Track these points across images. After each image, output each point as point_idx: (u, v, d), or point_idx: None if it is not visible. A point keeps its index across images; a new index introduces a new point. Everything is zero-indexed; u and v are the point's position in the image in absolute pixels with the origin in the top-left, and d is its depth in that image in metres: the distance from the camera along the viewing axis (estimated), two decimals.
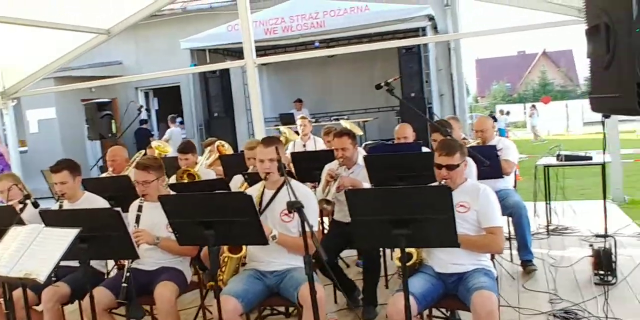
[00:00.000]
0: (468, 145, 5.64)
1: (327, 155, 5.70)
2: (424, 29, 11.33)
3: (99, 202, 4.50)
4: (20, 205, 3.95)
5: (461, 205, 3.54)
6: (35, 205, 4.01)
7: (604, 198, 7.06)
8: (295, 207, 2.86)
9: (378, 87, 5.36)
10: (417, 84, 11.71)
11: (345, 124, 6.32)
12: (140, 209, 4.03)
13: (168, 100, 15.90)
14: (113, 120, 9.11)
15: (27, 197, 4.01)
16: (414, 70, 11.67)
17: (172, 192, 4.25)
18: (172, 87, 14.51)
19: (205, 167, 6.21)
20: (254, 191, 3.92)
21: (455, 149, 3.61)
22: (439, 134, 5.07)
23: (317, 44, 12.39)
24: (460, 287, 3.47)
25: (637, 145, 16.35)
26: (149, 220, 4.00)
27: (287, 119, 12.36)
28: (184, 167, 5.76)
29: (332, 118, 12.80)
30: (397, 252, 3.61)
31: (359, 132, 6.63)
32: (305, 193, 3.82)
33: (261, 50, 12.15)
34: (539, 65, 59.01)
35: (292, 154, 6.17)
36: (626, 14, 2.26)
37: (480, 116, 6.36)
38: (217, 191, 3.78)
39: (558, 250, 6.25)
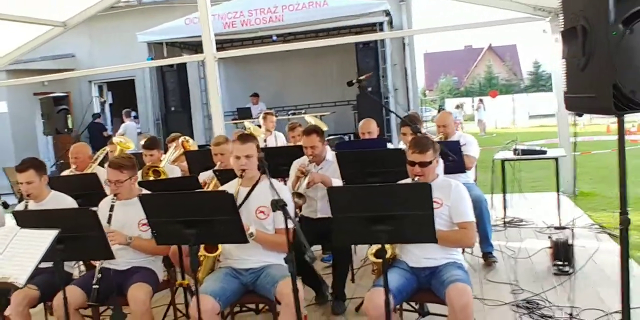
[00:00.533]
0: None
1: (293, 151, 5.76)
2: (381, 24, 11.44)
3: (67, 201, 4.43)
4: None
5: (434, 201, 3.62)
6: (5, 205, 3.91)
7: (557, 191, 7.36)
8: (279, 205, 2.89)
9: (350, 84, 5.40)
10: (373, 78, 11.81)
11: (309, 119, 6.35)
12: (112, 208, 3.98)
13: (122, 94, 15.59)
14: (69, 115, 8.89)
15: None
16: (370, 65, 11.80)
17: (144, 190, 4.21)
18: (126, 80, 14.24)
19: (169, 163, 6.15)
20: (230, 188, 3.93)
21: (428, 147, 3.68)
22: (409, 128, 5.14)
23: (275, 38, 12.36)
24: (434, 281, 3.56)
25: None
26: (121, 220, 3.97)
27: (245, 113, 12.32)
28: (149, 164, 5.69)
29: (289, 112, 12.77)
30: (373, 248, 3.71)
31: (324, 127, 6.66)
32: (282, 189, 3.86)
33: (219, 44, 12.05)
34: (485, 60, 60.36)
35: (266, 148, 6.16)
36: (603, 17, 2.37)
37: (442, 111, 6.50)
38: (198, 190, 3.74)
39: (515, 242, 6.42)
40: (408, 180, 3.81)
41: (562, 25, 2.85)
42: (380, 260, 3.64)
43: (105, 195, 5.03)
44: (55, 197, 4.43)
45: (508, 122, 29.23)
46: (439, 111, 17.03)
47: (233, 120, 13.09)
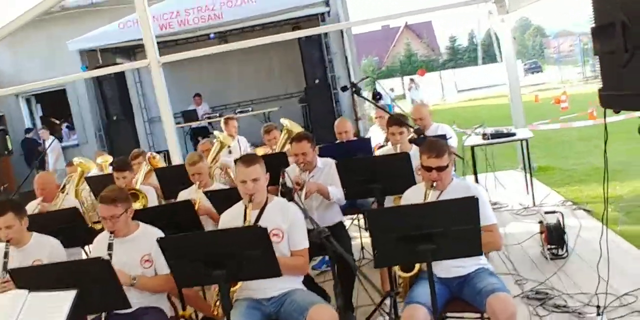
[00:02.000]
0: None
1: (275, 159, 5.55)
2: (322, 14, 11.24)
3: (51, 243, 4.08)
4: None
5: None
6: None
7: (529, 171, 7.46)
8: (323, 237, 2.70)
9: (344, 89, 5.23)
10: (319, 70, 11.68)
11: (285, 122, 6.15)
12: (110, 247, 3.66)
13: (53, 105, 14.74)
14: (7, 136, 8.29)
15: None
16: (315, 56, 11.62)
17: (140, 224, 3.90)
18: (56, 91, 13.41)
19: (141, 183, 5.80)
20: (235, 213, 3.72)
21: (444, 150, 3.55)
22: (398, 126, 5.00)
23: (212, 36, 11.96)
24: (466, 290, 3.46)
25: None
26: (122, 259, 3.65)
27: (191, 116, 11.91)
28: (125, 187, 5.32)
29: (236, 111, 12.41)
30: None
31: (299, 128, 6.43)
32: (295, 211, 3.66)
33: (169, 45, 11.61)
34: (403, 38, 61.23)
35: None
36: None
37: (416, 104, 6.44)
38: (225, 228, 3.45)
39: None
40: (421, 186, 3.71)
41: (593, 22, 2.76)
42: (408, 275, 3.58)
43: (87, 229, 4.72)
44: (38, 241, 4.06)
45: (437, 99, 29.76)
46: (373, 96, 16.99)
47: (178, 124, 12.60)
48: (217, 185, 5.22)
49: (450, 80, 31.44)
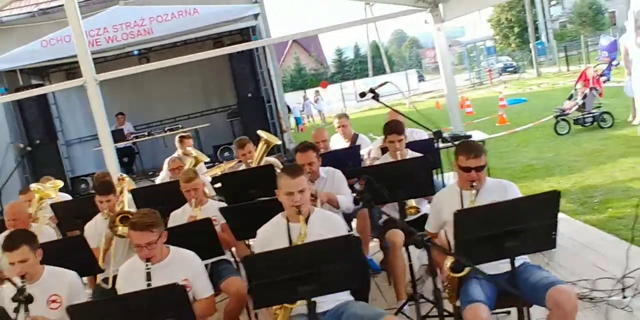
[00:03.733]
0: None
1: (261, 173, 5.45)
2: (253, 28, 11.16)
3: (69, 276, 3.74)
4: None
5: None
6: (29, 299, 3.15)
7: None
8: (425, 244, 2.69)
9: (362, 95, 5.19)
10: (252, 83, 11.58)
11: (262, 134, 6.05)
12: (149, 276, 3.41)
13: None
14: None
15: (22, 291, 3.12)
16: (246, 70, 11.50)
17: (170, 246, 3.68)
18: None
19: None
20: (276, 227, 3.61)
21: (481, 150, 3.63)
22: (397, 135, 5.05)
23: (136, 52, 11.52)
24: (516, 283, 3.41)
25: None
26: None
27: (119, 136, 11.37)
28: (111, 211, 4.97)
29: (165, 129, 11.97)
30: (447, 262, 3.59)
31: (277, 141, 6.35)
32: (338, 219, 3.66)
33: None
34: (292, 53, 61.81)
35: (222, 176, 5.70)
36: None
37: (389, 111, 6.51)
38: (313, 241, 3.30)
39: None
40: (453, 187, 3.79)
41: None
42: (457, 275, 3.61)
43: (93, 258, 4.40)
44: (52, 274, 3.70)
45: (339, 109, 30.31)
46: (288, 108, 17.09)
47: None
48: (211, 203, 5.04)
49: (351, 91, 32.21)
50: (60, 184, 6.84)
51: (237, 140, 6.24)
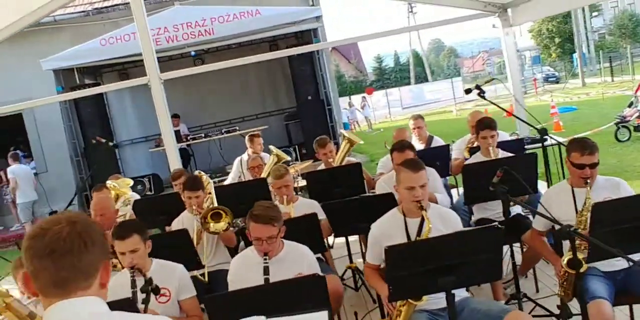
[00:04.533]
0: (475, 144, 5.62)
1: (347, 172, 5.32)
2: (315, 30, 11.03)
3: (177, 269, 3.62)
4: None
5: None
6: (157, 291, 3.01)
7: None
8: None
9: (468, 91, 5.01)
10: (311, 86, 11.42)
11: (346, 133, 5.95)
12: (266, 271, 3.24)
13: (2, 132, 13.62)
14: None
15: (150, 282, 2.97)
16: (307, 72, 11.35)
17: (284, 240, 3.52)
18: (8, 116, 12.21)
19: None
20: (391, 222, 3.51)
21: (595, 147, 3.56)
22: (490, 130, 4.86)
23: (193, 53, 11.47)
24: (633, 281, 3.39)
25: None
26: (280, 279, 3.27)
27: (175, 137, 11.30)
28: (199, 207, 4.82)
29: (223, 131, 11.87)
30: (565, 258, 3.41)
31: (360, 141, 6.20)
32: (454, 214, 3.60)
33: (137, 64, 10.98)
34: (331, 60, 61.88)
35: (308, 174, 5.53)
36: None
37: (474, 111, 6.30)
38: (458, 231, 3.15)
39: None
40: (563, 184, 3.76)
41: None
42: (574, 271, 3.41)
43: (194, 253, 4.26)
44: (161, 266, 3.58)
45: (383, 116, 30.09)
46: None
47: (157, 146, 11.98)
48: (302, 200, 4.88)
49: (397, 99, 32.03)
50: (131, 182, 6.78)
51: (318, 139, 6.11)
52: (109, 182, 6.06)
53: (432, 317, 3.26)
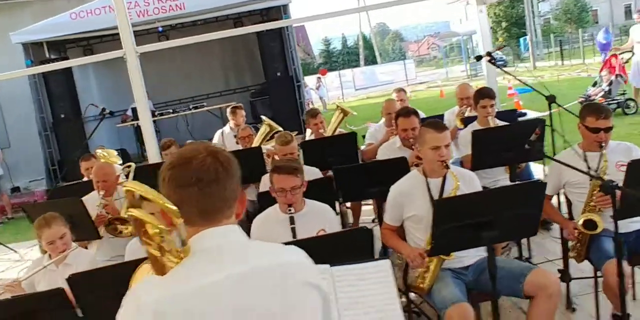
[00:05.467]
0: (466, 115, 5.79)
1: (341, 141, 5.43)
2: (285, 6, 11.01)
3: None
4: None
5: (621, 165, 3.56)
6: None
7: None
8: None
9: (479, 58, 5.15)
10: (280, 63, 11.42)
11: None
12: (292, 221, 3.37)
13: None
14: None
15: None
16: (276, 49, 11.35)
17: (305, 199, 3.61)
18: None
19: None
20: (412, 183, 3.58)
21: (610, 112, 3.65)
22: (489, 99, 5.03)
23: (160, 29, 11.29)
24: None
25: None
26: (302, 235, 3.37)
27: None
28: None
29: (191, 107, 11.78)
30: (580, 219, 3.56)
31: (353, 112, 6.29)
32: (474, 176, 3.65)
33: (107, 39, 10.78)
34: None
35: (303, 143, 5.60)
36: None
37: (461, 84, 6.45)
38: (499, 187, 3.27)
39: None
40: (575, 149, 3.77)
41: None
42: (591, 233, 3.60)
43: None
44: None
45: (336, 97, 30.19)
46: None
47: (124, 122, 11.81)
48: (306, 168, 4.96)
49: (350, 80, 32.19)
50: (115, 152, 6.70)
51: (309, 110, 6.23)
52: (99, 151, 5.99)
53: (455, 275, 3.34)
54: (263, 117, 6.31)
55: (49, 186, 11.09)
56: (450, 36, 39.49)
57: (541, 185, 2.90)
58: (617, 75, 11.52)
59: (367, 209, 6.11)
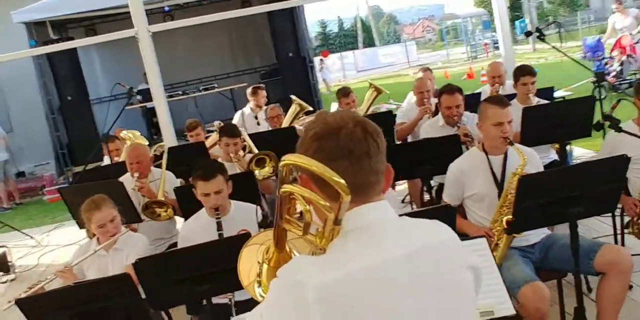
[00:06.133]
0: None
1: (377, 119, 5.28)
2: None
3: (254, 211, 3.51)
4: None
5: None
6: None
7: None
8: None
9: (528, 34, 4.99)
10: (292, 43, 11.20)
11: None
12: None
13: None
14: None
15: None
16: (288, 29, 11.12)
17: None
18: None
19: None
20: (472, 161, 3.51)
21: None
22: (531, 76, 4.91)
23: (167, 8, 11.05)
24: None
25: None
26: None
27: (149, 95, 10.96)
28: (236, 154, 4.72)
29: (200, 88, 11.56)
30: None
31: (386, 91, 6.17)
32: (534, 153, 3.56)
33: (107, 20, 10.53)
34: None
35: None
36: None
37: (493, 62, 6.32)
38: None
39: None
40: (632, 125, 3.72)
41: None
42: None
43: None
44: (239, 208, 3.49)
45: (337, 79, 29.94)
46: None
47: (131, 104, 11.56)
48: None
49: (351, 62, 31.96)
50: (139, 133, 6.58)
51: (341, 89, 6.07)
52: (124, 132, 5.86)
53: (523, 253, 3.28)
54: (293, 97, 6.17)
55: (57, 170, 10.89)
56: (450, 19, 39.14)
57: (626, 160, 2.77)
58: (628, 56, 11.49)
59: (399, 189, 5.99)
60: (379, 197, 1.35)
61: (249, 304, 3.07)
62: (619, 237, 4.05)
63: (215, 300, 3.15)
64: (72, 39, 10.44)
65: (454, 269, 1.33)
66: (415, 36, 69.66)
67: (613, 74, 11.56)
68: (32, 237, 7.71)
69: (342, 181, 1.21)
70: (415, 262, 1.27)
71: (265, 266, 1.65)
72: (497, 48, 35.56)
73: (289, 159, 1.26)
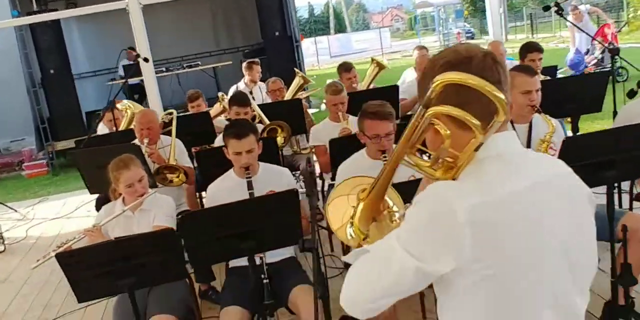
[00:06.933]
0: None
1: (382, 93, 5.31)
2: None
3: (284, 173, 3.55)
4: None
5: None
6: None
7: None
8: None
9: (546, 8, 5.02)
10: (278, 21, 11.07)
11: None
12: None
13: None
14: None
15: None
16: (274, 8, 10.97)
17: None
18: None
19: None
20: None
21: None
22: (539, 52, 4.98)
23: None
24: None
25: None
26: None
27: (132, 72, 10.73)
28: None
29: (184, 65, 11.38)
30: None
31: (388, 65, 6.17)
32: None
33: None
34: None
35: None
36: None
37: (493, 41, 6.37)
38: None
39: None
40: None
41: None
42: None
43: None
44: (267, 170, 3.47)
45: (311, 64, 29.79)
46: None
47: (114, 80, 11.38)
48: (352, 117, 4.83)
49: (325, 47, 31.82)
50: (139, 104, 6.53)
51: (343, 64, 6.06)
52: (125, 101, 5.78)
53: None
54: (296, 70, 6.12)
55: (37, 145, 10.60)
56: (423, 7, 39.32)
57: None
58: (609, 44, 11.69)
59: None
60: (506, 127, 1.37)
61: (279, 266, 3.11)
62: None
63: (236, 263, 3.15)
64: (55, 10, 10.12)
65: (582, 196, 1.38)
66: (383, 24, 69.86)
67: (593, 62, 11.75)
68: (16, 211, 7.55)
69: (502, 96, 1.22)
70: (555, 188, 1.32)
71: (360, 205, 1.67)
72: (469, 37, 36.22)
73: (445, 77, 1.25)
